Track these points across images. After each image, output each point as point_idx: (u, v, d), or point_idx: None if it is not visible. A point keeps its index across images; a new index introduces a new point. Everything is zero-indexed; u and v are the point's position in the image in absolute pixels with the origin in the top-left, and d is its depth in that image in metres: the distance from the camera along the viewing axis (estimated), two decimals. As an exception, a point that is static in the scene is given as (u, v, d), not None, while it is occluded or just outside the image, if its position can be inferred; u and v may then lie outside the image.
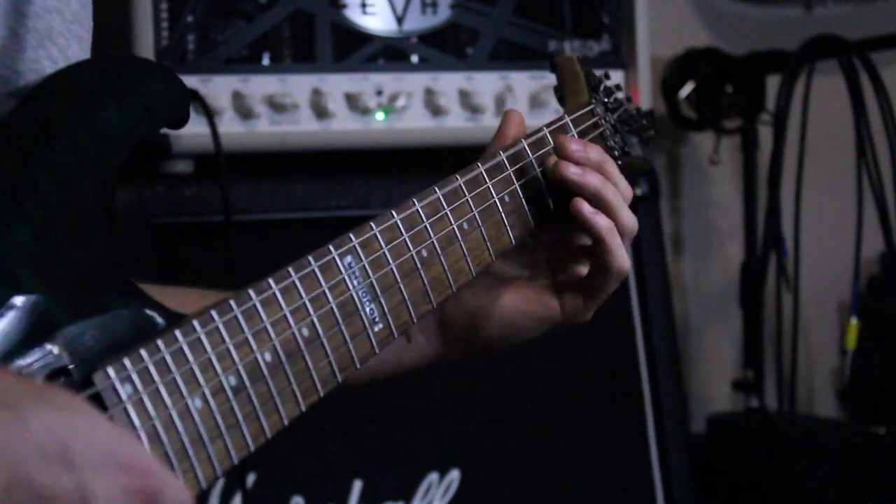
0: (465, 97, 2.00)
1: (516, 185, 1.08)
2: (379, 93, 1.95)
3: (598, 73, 1.23)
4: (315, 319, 0.89)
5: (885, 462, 2.30)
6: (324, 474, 1.88)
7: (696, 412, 2.57)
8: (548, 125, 1.12)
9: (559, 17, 2.08)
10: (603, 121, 1.19)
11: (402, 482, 1.93)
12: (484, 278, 1.09)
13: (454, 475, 1.95)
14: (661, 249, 2.15)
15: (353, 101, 1.93)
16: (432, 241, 1.00)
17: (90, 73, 0.91)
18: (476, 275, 1.04)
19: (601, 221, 1.07)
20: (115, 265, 0.88)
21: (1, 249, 0.81)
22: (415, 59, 2.00)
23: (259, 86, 1.89)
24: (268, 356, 0.85)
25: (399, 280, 0.96)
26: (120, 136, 0.91)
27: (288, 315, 0.87)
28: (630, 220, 1.09)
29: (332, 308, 0.90)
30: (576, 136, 1.14)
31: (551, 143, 1.11)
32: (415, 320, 0.98)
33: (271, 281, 0.87)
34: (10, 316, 0.79)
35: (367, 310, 0.93)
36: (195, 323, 0.81)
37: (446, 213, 1.01)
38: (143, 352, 0.78)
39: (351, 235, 0.94)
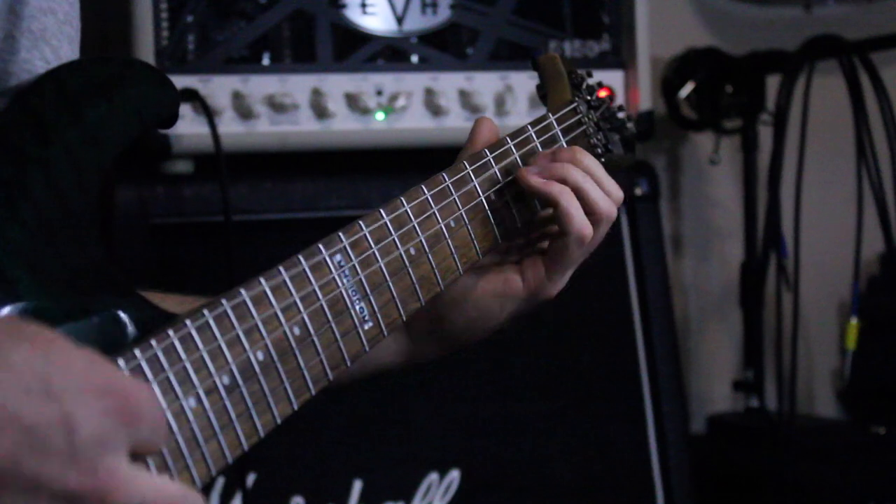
0: (465, 97, 2.00)
1: (502, 182, 1.09)
2: (379, 93, 1.95)
3: (581, 71, 1.23)
4: (306, 318, 0.90)
5: (885, 462, 2.30)
6: (324, 474, 1.88)
7: (696, 412, 2.57)
8: (532, 123, 1.14)
9: (559, 17, 2.08)
10: (586, 118, 1.19)
11: (402, 482, 1.93)
12: None
13: (454, 475, 1.95)
14: (661, 249, 2.14)
15: (353, 101, 1.93)
16: (420, 240, 1.01)
17: (80, 74, 0.91)
18: (463, 272, 1.05)
19: (553, 187, 1.07)
20: (109, 266, 0.89)
21: None
22: (415, 59, 2.00)
23: (259, 86, 1.89)
24: (260, 355, 0.86)
25: (388, 278, 0.98)
26: (111, 137, 0.91)
27: (279, 313, 0.88)
28: (602, 202, 1.09)
29: (322, 306, 0.91)
30: (559, 133, 1.16)
31: (535, 141, 1.13)
32: (404, 318, 0.99)
33: (262, 279, 0.87)
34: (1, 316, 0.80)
35: (357, 308, 0.94)
36: (187, 321, 0.81)
37: (434, 212, 1.03)
38: (136, 350, 0.78)
39: (340, 235, 0.95)
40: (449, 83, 1.99)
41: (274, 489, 1.84)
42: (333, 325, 0.92)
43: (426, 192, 1.03)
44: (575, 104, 1.19)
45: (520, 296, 1.10)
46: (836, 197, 2.53)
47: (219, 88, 1.87)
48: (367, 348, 0.95)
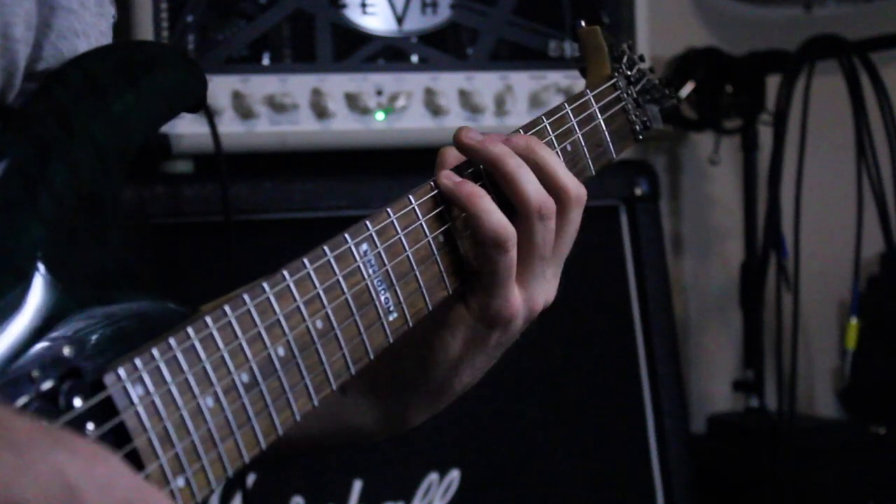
0: (465, 97, 2.00)
1: None
2: (379, 93, 1.95)
3: (624, 44, 1.20)
4: (329, 311, 0.87)
5: (885, 462, 2.30)
6: (324, 474, 1.88)
7: (696, 412, 2.57)
8: (569, 101, 1.10)
9: (559, 17, 2.08)
10: (625, 94, 1.16)
11: (402, 482, 1.93)
12: None
13: (454, 475, 1.95)
14: (661, 249, 2.14)
15: (353, 101, 1.93)
16: (450, 226, 0.97)
17: (107, 60, 0.89)
18: None
19: (464, 187, 0.96)
20: (131, 261, 0.87)
21: (13, 245, 0.80)
22: (415, 59, 2.00)
23: (259, 86, 1.89)
24: (281, 350, 0.83)
25: (415, 267, 0.95)
26: (137, 125, 0.89)
27: (302, 307, 0.85)
28: (534, 192, 0.97)
29: (346, 299, 0.89)
30: (597, 111, 1.11)
31: (573, 120, 1.08)
32: (430, 307, 0.95)
33: (286, 273, 0.85)
34: (22, 314, 0.78)
35: (382, 299, 0.92)
36: (207, 319, 0.79)
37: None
38: (154, 350, 0.76)
39: (367, 223, 0.92)
40: (449, 83, 1.99)
41: (274, 489, 1.84)
42: (357, 317, 0.89)
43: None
44: (614, 80, 1.15)
45: (466, 318, 1.00)
46: (836, 197, 2.53)
47: (219, 88, 1.87)
48: (390, 340, 0.92)
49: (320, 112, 1.91)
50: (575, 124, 1.09)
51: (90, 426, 0.74)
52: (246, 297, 0.82)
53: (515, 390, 2.01)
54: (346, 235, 0.90)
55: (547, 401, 2.02)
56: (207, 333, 0.79)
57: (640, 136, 1.16)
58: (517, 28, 2.05)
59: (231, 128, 1.87)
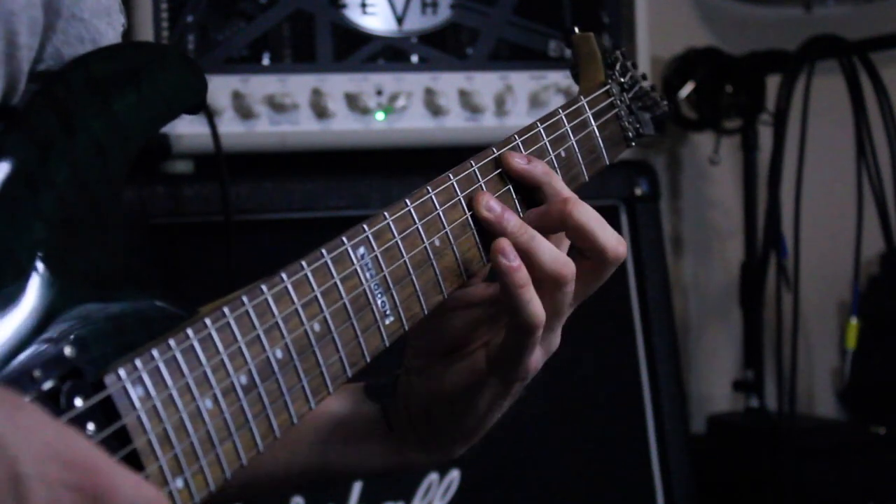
0: (465, 97, 2.00)
1: None
2: (379, 93, 1.95)
3: (617, 51, 1.20)
4: (327, 314, 0.87)
5: (885, 462, 2.30)
6: (324, 474, 1.88)
7: (696, 412, 2.57)
8: (563, 107, 1.10)
9: (559, 17, 2.08)
10: (618, 101, 1.16)
11: (402, 482, 1.93)
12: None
13: (454, 475, 1.95)
14: (661, 249, 2.14)
15: (353, 101, 1.93)
16: (446, 231, 0.98)
17: (108, 61, 0.90)
18: (486, 262, 1.01)
19: (515, 274, 0.96)
20: (128, 259, 0.87)
21: (15, 244, 0.80)
22: (415, 59, 2.00)
23: (259, 86, 1.89)
24: (279, 353, 0.84)
25: (411, 271, 0.95)
26: (137, 126, 0.90)
27: (300, 309, 0.85)
28: (554, 264, 0.97)
29: (343, 302, 0.89)
30: (590, 117, 1.12)
31: (566, 125, 1.09)
32: (426, 311, 0.96)
33: (284, 274, 0.85)
34: (21, 312, 0.79)
35: (379, 302, 0.92)
36: (206, 320, 0.80)
37: (460, 199, 0.99)
38: (154, 351, 0.77)
39: (364, 226, 0.92)
40: (449, 83, 1.99)
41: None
42: (354, 320, 0.89)
43: (453, 178, 0.99)
44: (607, 86, 1.15)
45: (492, 382, 1.03)
46: (836, 197, 2.53)
47: (219, 88, 1.87)
48: (386, 343, 0.92)
49: (320, 112, 1.91)
50: (569, 130, 1.10)
51: (91, 426, 0.75)
52: (244, 298, 0.82)
53: (515, 390, 2.01)
54: (344, 238, 0.90)
55: (547, 401, 2.02)
56: (206, 334, 0.79)
57: (633, 143, 1.16)
58: (517, 28, 2.05)
59: (231, 128, 1.87)
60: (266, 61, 1.92)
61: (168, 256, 1.85)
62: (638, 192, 2.11)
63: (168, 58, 0.93)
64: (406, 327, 0.94)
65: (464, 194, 0.99)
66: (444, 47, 2.01)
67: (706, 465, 2.30)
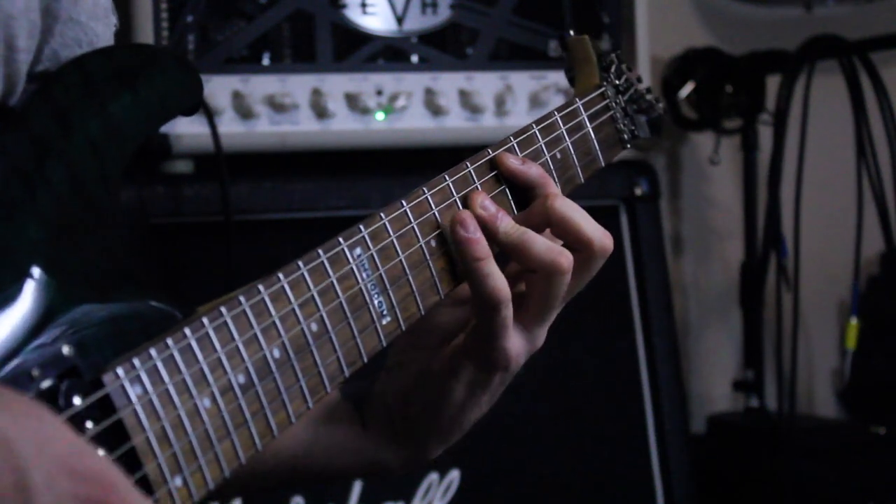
0: (465, 97, 2.00)
1: None
2: (379, 93, 1.95)
3: (612, 54, 1.21)
4: (324, 314, 0.88)
5: (885, 462, 2.30)
6: (324, 474, 1.88)
7: (696, 412, 2.57)
8: (558, 109, 1.11)
9: (559, 17, 2.08)
10: (614, 103, 1.16)
11: (402, 482, 1.93)
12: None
13: (454, 475, 1.95)
14: (661, 249, 2.14)
15: (353, 101, 1.93)
16: (442, 231, 0.98)
17: (105, 62, 0.90)
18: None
19: (472, 246, 0.96)
20: (127, 259, 0.87)
21: (13, 245, 0.80)
22: (415, 59, 2.00)
23: (259, 86, 1.89)
24: (276, 352, 0.84)
25: (408, 271, 0.95)
26: (133, 127, 0.90)
27: (296, 309, 0.86)
28: (545, 253, 0.98)
29: (340, 302, 0.89)
30: (585, 119, 1.12)
31: (562, 127, 1.10)
32: (422, 312, 0.96)
33: (280, 275, 0.86)
34: (20, 312, 0.79)
35: (376, 302, 0.92)
36: (204, 319, 0.80)
37: (455, 199, 1.00)
38: (152, 350, 0.77)
39: (360, 226, 0.92)
40: (449, 83, 1.99)
41: (274, 489, 1.84)
42: (351, 320, 0.90)
43: (448, 179, 0.99)
44: (603, 89, 1.16)
45: (468, 366, 1.02)
46: (836, 197, 2.53)
47: (219, 88, 1.87)
48: (384, 343, 0.93)
49: (320, 112, 1.91)
50: (564, 132, 1.10)
51: (89, 424, 0.75)
52: (242, 298, 0.83)
53: (515, 390, 2.01)
54: (340, 238, 0.91)
55: (547, 401, 2.02)
56: (204, 333, 0.80)
57: (628, 145, 1.17)
58: (517, 28, 2.05)
59: (231, 128, 1.87)
60: (266, 61, 1.92)
61: (168, 256, 1.85)
62: (638, 192, 2.11)
63: (162, 60, 0.94)
64: (403, 328, 0.95)
65: (460, 195, 0.99)
66: (444, 47, 2.01)
67: (706, 464, 2.30)
